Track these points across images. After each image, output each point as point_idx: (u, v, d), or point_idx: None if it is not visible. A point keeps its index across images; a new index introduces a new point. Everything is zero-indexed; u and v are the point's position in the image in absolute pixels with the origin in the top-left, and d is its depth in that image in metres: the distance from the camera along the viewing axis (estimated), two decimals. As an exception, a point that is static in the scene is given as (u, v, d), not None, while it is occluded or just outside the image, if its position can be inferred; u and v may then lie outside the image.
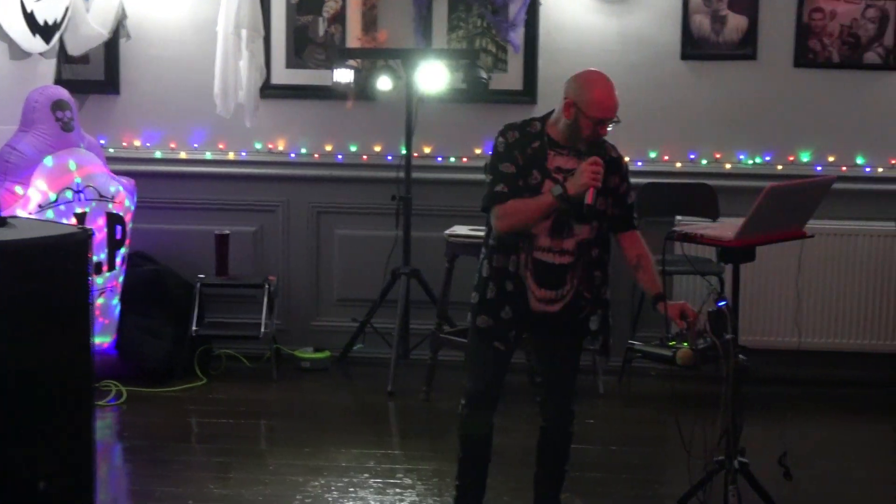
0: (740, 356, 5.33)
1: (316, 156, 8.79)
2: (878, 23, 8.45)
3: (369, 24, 8.62)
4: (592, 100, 5.07)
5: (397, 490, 6.36)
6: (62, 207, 7.52)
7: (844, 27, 8.47)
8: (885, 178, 8.57)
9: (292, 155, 8.79)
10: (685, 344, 5.16)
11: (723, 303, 5.25)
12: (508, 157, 5.15)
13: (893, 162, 8.57)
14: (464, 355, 5.61)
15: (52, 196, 7.46)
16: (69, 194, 7.56)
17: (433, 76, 8.20)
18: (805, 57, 8.53)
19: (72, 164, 7.65)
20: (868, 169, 8.58)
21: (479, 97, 8.41)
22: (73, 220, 7.49)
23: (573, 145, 5.16)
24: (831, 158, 8.57)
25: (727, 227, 5.50)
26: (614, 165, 5.23)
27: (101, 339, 7.80)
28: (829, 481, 6.64)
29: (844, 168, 8.52)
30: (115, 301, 8.06)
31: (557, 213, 5.09)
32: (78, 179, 7.66)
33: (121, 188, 8.03)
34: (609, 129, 5.14)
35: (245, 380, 8.36)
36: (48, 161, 7.52)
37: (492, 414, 5.46)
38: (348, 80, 8.24)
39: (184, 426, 7.61)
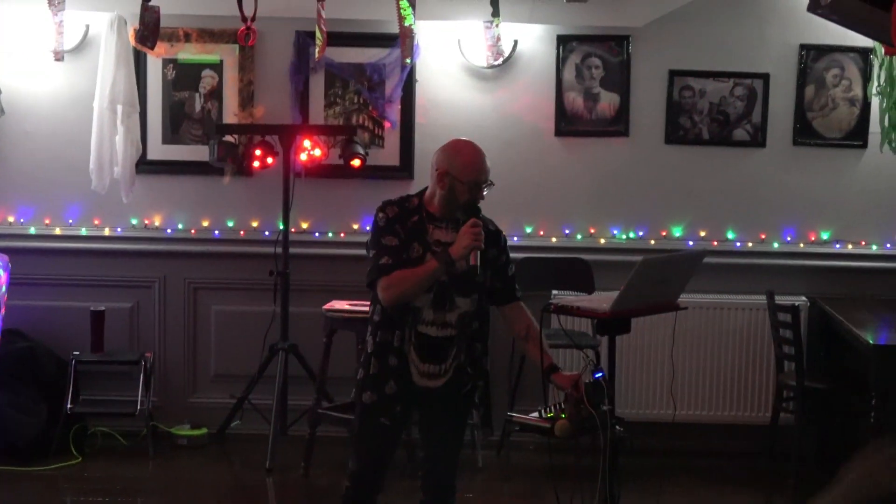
0: (617, 427, 5.39)
1: (193, 231, 8.76)
2: (746, 101, 8.65)
3: (246, 100, 8.65)
4: (464, 164, 5.15)
5: (276, 567, 6.32)
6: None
7: (714, 105, 8.66)
8: (755, 252, 8.75)
9: (168, 231, 8.76)
10: (563, 416, 5.21)
11: (599, 374, 5.31)
12: (390, 231, 5.19)
13: (763, 237, 8.75)
14: (348, 434, 5.58)
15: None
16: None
17: (310, 152, 8.25)
18: (675, 134, 8.70)
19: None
20: (738, 243, 8.75)
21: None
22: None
23: (451, 217, 5.22)
24: (703, 233, 8.73)
25: (602, 299, 5.56)
26: (493, 238, 5.29)
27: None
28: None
29: (716, 242, 8.70)
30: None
31: (439, 285, 5.13)
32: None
33: (-6, 264, 7.94)
34: (484, 192, 5.21)
35: (121, 457, 8.25)
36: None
37: (376, 494, 5.43)
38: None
39: (58, 505, 7.51)
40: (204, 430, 8.58)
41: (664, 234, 8.75)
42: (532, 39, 8.65)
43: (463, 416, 5.50)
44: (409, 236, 5.18)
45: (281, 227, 8.34)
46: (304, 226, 8.72)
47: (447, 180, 5.16)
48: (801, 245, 8.77)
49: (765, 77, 8.67)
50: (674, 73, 8.66)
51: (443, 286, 5.16)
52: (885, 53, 7.90)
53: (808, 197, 8.76)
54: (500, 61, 8.54)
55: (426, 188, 5.32)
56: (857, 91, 8.68)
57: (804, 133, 8.70)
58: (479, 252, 5.06)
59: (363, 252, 5.30)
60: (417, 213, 5.24)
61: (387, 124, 8.65)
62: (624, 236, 8.77)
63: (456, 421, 5.47)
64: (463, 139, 5.32)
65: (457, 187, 5.15)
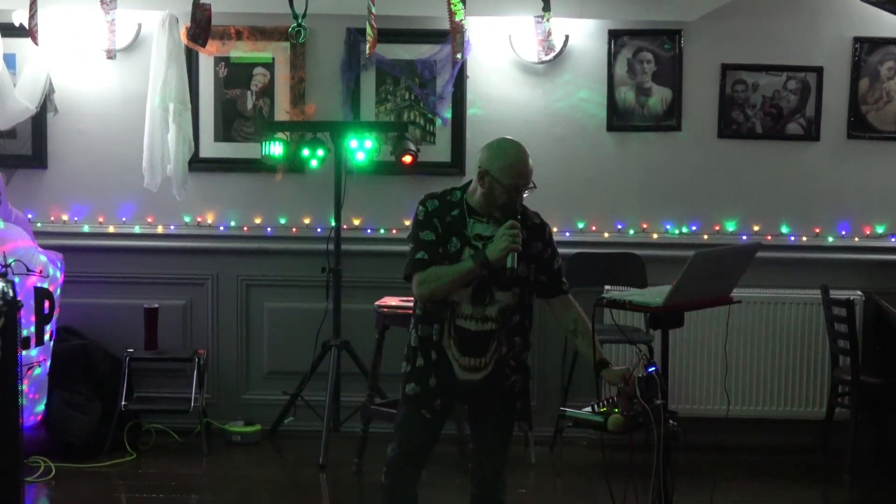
0: (671, 422, 5.35)
1: (245, 228, 8.78)
2: (799, 94, 8.59)
3: (297, 97, 8.66)
4: (505, 167, 5.13)
5: (329, 563, 6.33)
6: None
7: (767, 99, 8.61)
8: (809, 246, 8.68)
9: (221, 228, 8.78)
10: (616, 410, 5.18)
11: (653, 368, 5.28)
12: (428, 225, 5.20)
13: (817, 231, 8.69)
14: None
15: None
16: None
17: (362, 148, 8.26)
18: (729, 128, 8.65)
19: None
20: (792, 238, 8.69)
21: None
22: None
23: (491, 213, 5.21)
24: (756, 228, 8.67)
25: (655, 293, 5.53)
26: (537, 232, 5.28)
27: (29, 415, 7.72)
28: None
29: (769, 237, 8.63)
30: (44, 376, 7.98)
31: (478, 279, 5.13)
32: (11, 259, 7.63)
33: (48, 262, 7.98)
34: (525, 195, 5.19)
35: (175, 454, 8.28)
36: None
37: (414, 483, 5.46)
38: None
39: (113, 502, 7.53)
40: (257, 427, 8.60)
41: (717, 228, 8.70)
42: (583, 34, 8.62)
43: (510, 409, 5.47)
44: (447, 230, 5.19)
45: (333, 223, 8.35)
46: (356, 222, 8.73)
47: (487, 180, 5.15)
48: (856, 239, 8.70)
49: (818, 70, 8.60)
50: (726, 67, 8.61)
51: (482, 281, 5.15)
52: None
53: (862, 191, 8.69)
54: (551, 56, 8.51)
55: (471, 181, 5.32)
56: (912, 84, 8.63)
57: (858, 126, 8.63)
58: (515, 254, 5.05)
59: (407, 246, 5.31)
60: (458, 206, 5.25)
61: (438, 121, 8.64)
62: (677, 231, 8.73)
63: (503, 414, 5.46)
64: (509, 139, 5.29)
65: (495, 189, 5.14)
